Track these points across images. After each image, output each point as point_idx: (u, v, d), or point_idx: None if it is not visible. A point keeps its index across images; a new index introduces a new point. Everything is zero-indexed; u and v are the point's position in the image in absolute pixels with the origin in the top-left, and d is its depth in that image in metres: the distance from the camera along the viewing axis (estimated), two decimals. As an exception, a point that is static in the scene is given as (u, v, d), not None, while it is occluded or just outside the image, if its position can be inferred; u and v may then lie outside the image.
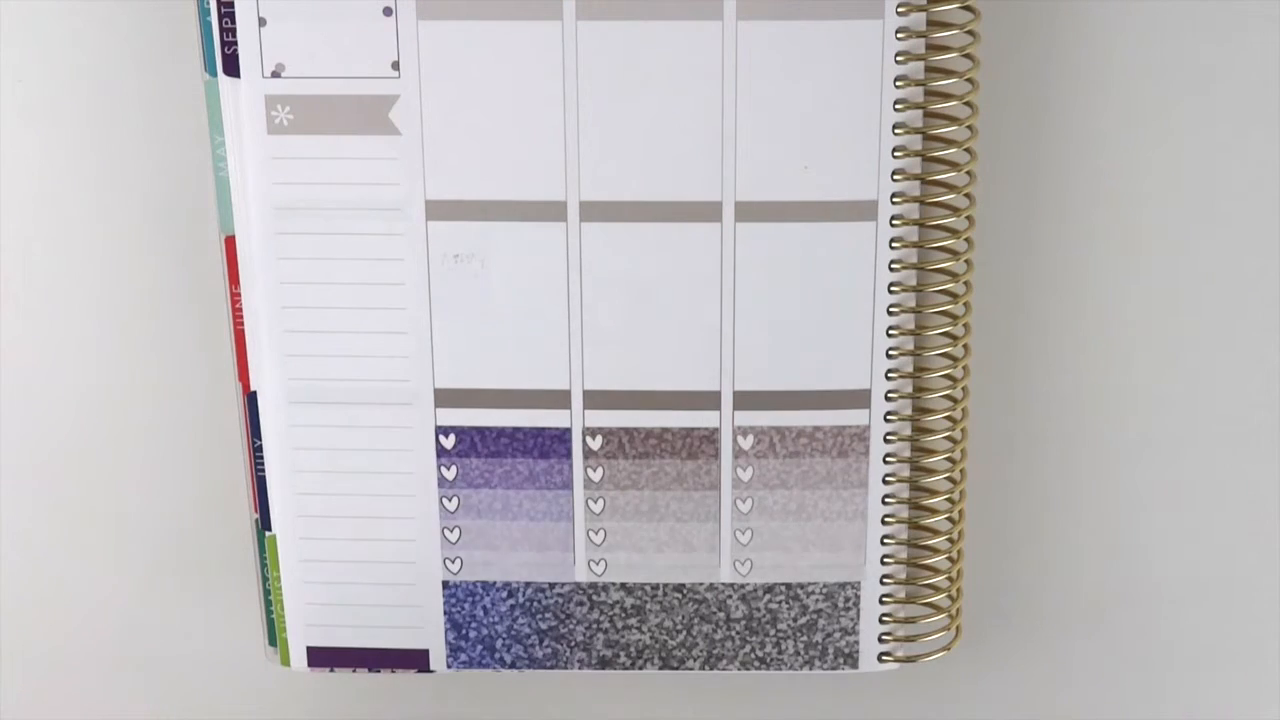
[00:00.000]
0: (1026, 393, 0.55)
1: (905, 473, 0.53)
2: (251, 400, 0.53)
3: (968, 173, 0.51)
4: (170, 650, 0.58)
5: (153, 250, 0.55)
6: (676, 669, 0.55)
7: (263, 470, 0.54)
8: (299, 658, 0.56)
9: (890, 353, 0.52)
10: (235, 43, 0.50)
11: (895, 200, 0.50)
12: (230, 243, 0.52)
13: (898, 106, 0.50)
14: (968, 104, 0.50)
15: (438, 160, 0.51)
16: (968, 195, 0.51)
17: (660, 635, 0.55)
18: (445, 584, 0.55)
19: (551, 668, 0.55)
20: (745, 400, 0.52)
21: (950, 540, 0.54)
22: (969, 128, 0.50)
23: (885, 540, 0.54)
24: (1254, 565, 0.57)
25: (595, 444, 0.53)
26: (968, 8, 0.49)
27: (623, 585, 0.54)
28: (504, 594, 0.55)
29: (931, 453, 0.53)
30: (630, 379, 0.52)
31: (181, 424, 0.56)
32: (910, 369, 0.52)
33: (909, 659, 0.55)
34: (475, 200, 0.51)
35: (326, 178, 0.51)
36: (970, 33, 0.49)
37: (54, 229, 0.55)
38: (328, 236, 0.51)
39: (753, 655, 0.55)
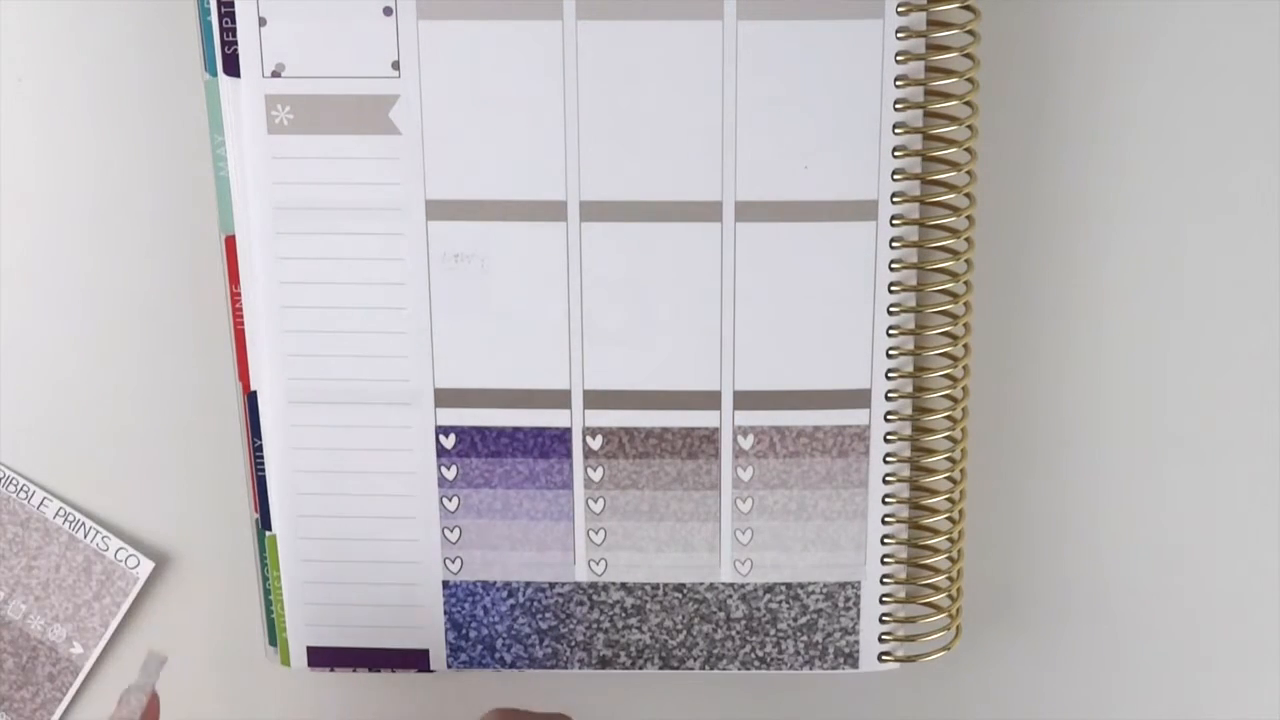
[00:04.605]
0: (1026, 393, 0.55)
1: (905, 473, 0.53)
2: (251, 400, 0.53)
3: (968, 173, 0.51)
4: (170, 650, 0.58)
5: (153, 250, 0.55)
6: (676, 669, 0.55)
7: (263, 470, 0.54)
8: (299, 658, 0.56)
9: (890, 353, 0.52)
10: (235, 42, 0.50)
11: (895, 200, 0.50)
12: (230, 243, 0.52)
13: (898, 106, 0.50)
14: (968, 104, 0.50)
15: (438, 160, 0.51)
16: (968, 195, 0.51)
17: (660, 635, 0.55)
18: (445, 584, 0.55)
19: (552, 667, 0.55)
20: (745, 400, 0.52)
21: (950, 540, 0.54)
22: (969, 128, 0.50)
23: (885, 540, 0.54)
24: (1254, 564, 0.57)
25: (595, 444, 0.53)
26: (968, 8, 0.49)
27: (623, 585, 0.54)
28: (504, 594, 0.55)
29: (931, 453, 0.53)
30: (630, 379, 0.52)
31: (182, 424, 0.56)
32: (910, 369, 0.52)
33: (909, 659, 0.55)
34: (475, 200, 0.51)
35: (326, 178, 0.51)
36: (970, 33, 0.49)
37: (54, 228, 0.55)
38: (328, 236, 0.51)
39: (753, 655, 0.55)
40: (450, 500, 0.54)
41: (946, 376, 0.53)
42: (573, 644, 0.55)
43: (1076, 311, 0.55)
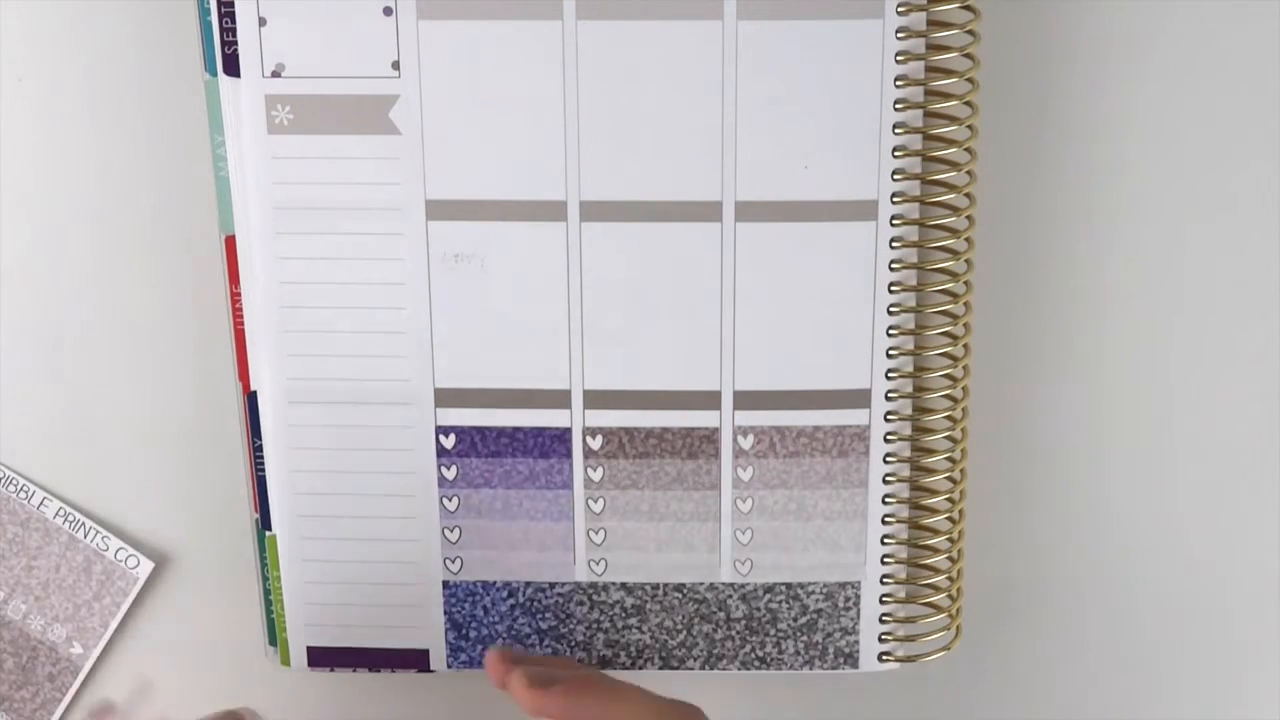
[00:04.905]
0: (1026, 393, 0.55)
1: (905, 473, 0.53)
2: (251, 400, 0.53)
3: (968, 173, 0.51)
4: (170, 650, 0.58)
5: (153, 250, 0.55)
6: (676, 669, 0.55)
7: (263, 470, 0.54)
8: (299, 658, 0.56)
9: (890, 353, 0.52)
10: (235, 43, 0.50)
11: (895, 200, 0.50)
12: (230, 243, 0.52)
13: (898, 106, 0.50)
14: (968, 104, 0.50)
15: (438, 160, 0.51)
16: (968, 195, 0.51)
17: (660, 635, 0.55)
18: (445, 584, 0.55)
19: (551, 668, 0.55)
20: (745, 400, 0.52)
21: (950, 540, 0.54)
22: (969, 128, 0.50)
23: (885, 540, 0.54)
24: (1254, 564, 0.57)
25: (595, 444, 0.53)
26: (968, 8, 0.49)
27: (623, 585, 0.54)
28: (504, 594, 0.55)
29: (931, 453, 0.53)
30: (630, 379, 0.52)
31: (182, 424, 0.56)
32: (910, 369, 0.52)
33: (909, 659, 0.55)
34: (475, 200, 0.51)
35: (326, 178, 0.51)
36: (970, 33, 0.49)
37: (54, 228, 0.55)
38: (328, 236, 0.51)
39: (753, 655, 0.55)
40: (450, 500, 0.54)
41: (946, 376, 0.53)
42: (573, 644, 0.55)
43: (1076, 311, 0.55)
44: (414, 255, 0.51)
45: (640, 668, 0.55)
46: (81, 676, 0.59)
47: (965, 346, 0.53)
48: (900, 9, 0.49)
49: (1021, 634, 0.58)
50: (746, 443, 0.53)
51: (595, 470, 0.53)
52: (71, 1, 0.52)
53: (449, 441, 0.53)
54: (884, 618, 0.55)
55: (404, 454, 0.53)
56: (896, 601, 0.54)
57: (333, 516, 0.54)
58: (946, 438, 0.53)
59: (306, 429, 0.53)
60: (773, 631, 0.55)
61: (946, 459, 0.53)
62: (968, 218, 0.51)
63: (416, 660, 0.55)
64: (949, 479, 0.54)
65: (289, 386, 0.53)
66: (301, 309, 0.52)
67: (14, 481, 0.58)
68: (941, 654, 0.55)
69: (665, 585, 0.54)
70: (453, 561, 0.54)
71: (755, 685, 0.58)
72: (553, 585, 0.54)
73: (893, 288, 0.51)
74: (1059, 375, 0.55)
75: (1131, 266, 0.54)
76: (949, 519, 0.54)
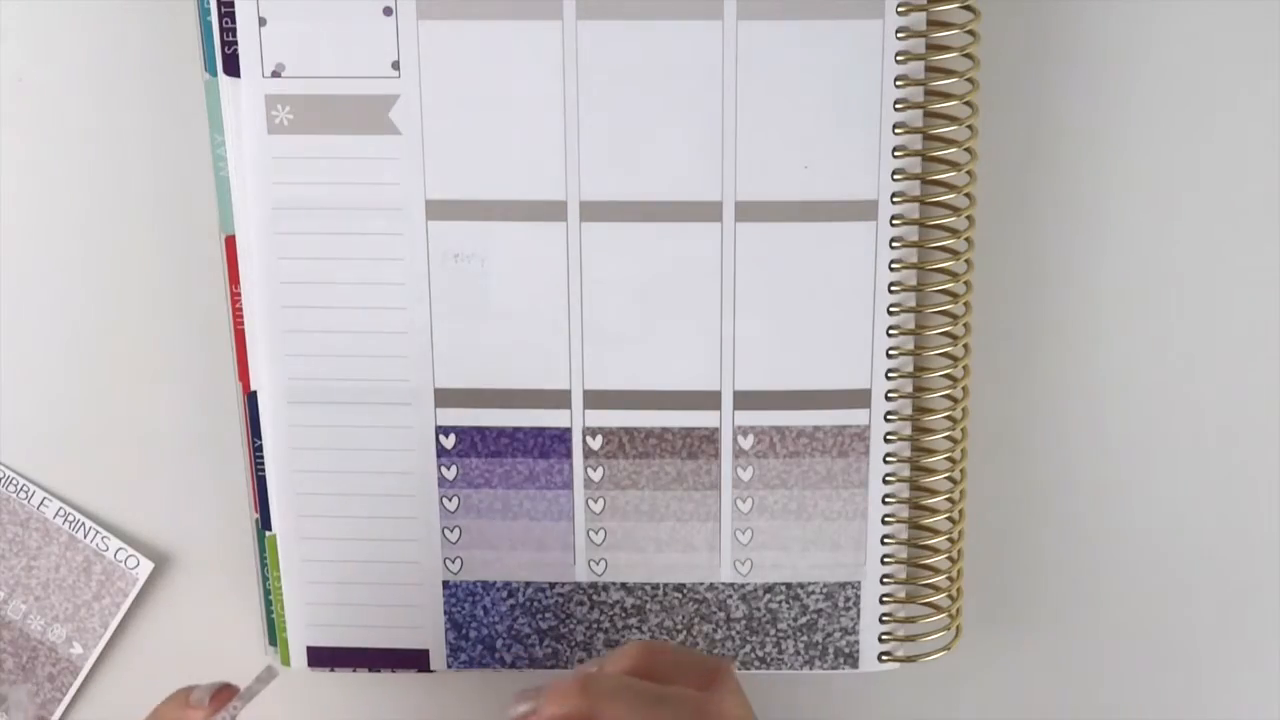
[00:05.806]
0: (1027, 393, 0.55)
1: (905, 473, 0.53)
2: (251, 400, 0.53)
3: (968, 173, 0.51)
4: (170, 650, 0.58)
5: (153, 250, 0.55)
6: (676, 669, 0.55)
7: (263, 470, 0.54)
8: (299, 658, 0.56)
9: (890, 353, 0.52)
10: (235, 43, 0.50)
11: (895, 200, 0.50)
12: (230, 243, 0.52)
13: (898, 106, 0.50)
14: (968, 104, 0.50)
15: (438, 160, 0.51)
16: (968, 195, 0.51)
17: (660, 635, 0.55)
18: (445, 584, 0.55)
19: (552, 667, 0.55)
20: (745, 400, 0.52)
21: (950, 540, 0.54)
22: (969, 127, 0.50)
23: (885, 540, 0.54)
24: (1254, 565, 0.57)
25: (595, 444, 0.53)
26: (968, 8, 0.49)
27: (623, 585, 0.54)
28: (504, 594, 0.55)
29: (931, 453, 0.53)
30: (630, 379, 0.52)
31: (182, 424, 0.56)
32: (910, 369, 0.52)
33: (909, 659, 0.55)
34: (475, 200, 0.51)
35: (326, 178, 0.51)
36: (970, 33, 0.49)
37: (54, 228, 0.55)
38: (328, 236, 0.51)
39: (753, 655, 0.55)
40: (450, 500, 0.54)
41: (946, 376, 0.53)
42: (573, 644, 0.55)
43: (1076, 311, 0.55)
44: (414, 255, 0.51)
45: (640, 668, 0.55)
46: (81, 676, 0.59)
47: (965, 346, 0.53)
48: (900, 9, 0.49)
49: (1021, 634, 0.58)
50: (746, 443, 0.53)
51: (595, 470, 0.53)
52: (71, 1, 0.53)
53: (449, 441, 0.53)
54: (884, 618, 0.55)
55: (404, 454, 0.53)
56: (896, 601, 0.54)
57: (333, 516, 0.54)
58: (946, 438, 0.53)
59: (306, 429, 0.53)
60: (773, 631, 0.55)
61: (946, 459, 0.53)
62: (968, 218, 0.51)
63: (416, 660, 0.55)
64: (949, 479, 0.54)
65: (289, 386, 0.53)
66: (301, 309, 0.52)
67: (14, 481, 0.58)
68: (941, 654, 0.55)
69: (665, 585, 0.54)
70: (453, 561, 0.54)
71: (755, 685, 0.58)
72: (553, 585, 0.54)
73: (893, 288, 0.51)
74: (1059, 375, 0.55)
75: (1131, 266, 0.54)
76: (949, 519, 0.54)
